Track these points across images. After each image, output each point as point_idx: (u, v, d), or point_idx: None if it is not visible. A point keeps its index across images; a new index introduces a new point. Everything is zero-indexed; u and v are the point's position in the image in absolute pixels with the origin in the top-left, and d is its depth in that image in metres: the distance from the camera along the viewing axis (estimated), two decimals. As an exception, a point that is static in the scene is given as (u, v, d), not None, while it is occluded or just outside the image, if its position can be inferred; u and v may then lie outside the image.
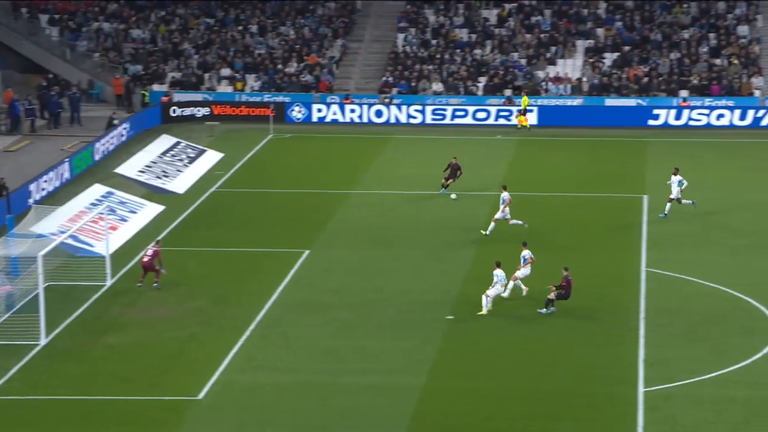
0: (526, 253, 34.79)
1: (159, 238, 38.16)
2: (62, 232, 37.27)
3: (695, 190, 44.61)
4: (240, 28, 64.65)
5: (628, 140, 55.05)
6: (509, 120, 57.77)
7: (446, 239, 40.01)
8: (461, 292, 35.10)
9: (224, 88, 61.29)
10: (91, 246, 38.95)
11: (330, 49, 63.44)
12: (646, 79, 60.12)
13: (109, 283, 36.11)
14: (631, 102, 58.98)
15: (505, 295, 34.19)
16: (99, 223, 38.94)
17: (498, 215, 39.78)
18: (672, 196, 42.04)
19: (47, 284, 33.00)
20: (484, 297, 33.52)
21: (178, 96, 60.10)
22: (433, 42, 63.52)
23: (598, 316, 33.63)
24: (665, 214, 42.00)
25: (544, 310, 33.46)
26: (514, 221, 39.91)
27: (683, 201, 41.98)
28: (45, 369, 30.25)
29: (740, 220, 42.65)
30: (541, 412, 27.70)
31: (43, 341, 31.68)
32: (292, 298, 35.10)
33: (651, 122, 57.14)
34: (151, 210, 44.11)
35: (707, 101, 58.37)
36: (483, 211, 43.19)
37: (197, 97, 60.06)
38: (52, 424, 27.24)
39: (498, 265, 33.80)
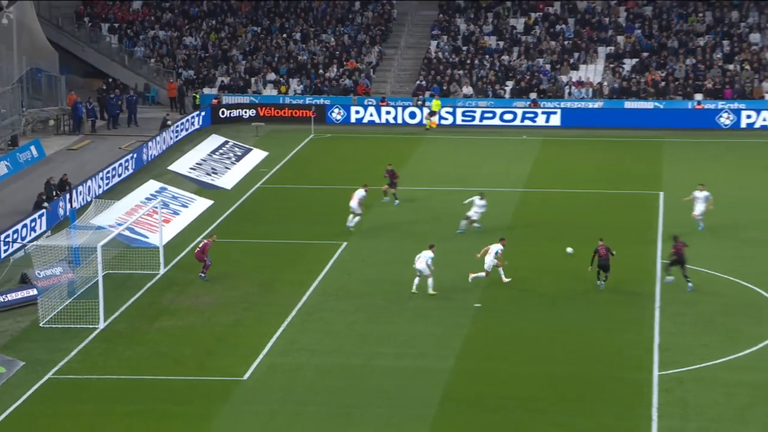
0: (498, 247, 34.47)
1: (209, 231, 38.25)
2: (119, 225, 37.46)
3: (709, 187, 44.13)
4: (284, 35, 64.74)
5: (645, 140, 54.67)
6: (535, 122, 57.53)
7: (474, 232, 39.89)
8: (488, 282, 34.98)
9: (269, 91, 61.40)
10: (146, 237, 39.11)
11: (367, 55, 63.38)
12: (663, 84, 59.65)
13: (162, 272, 36.26)
14: (648, 105, 58.56)
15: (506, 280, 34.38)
16: (153, 216, 39.09)
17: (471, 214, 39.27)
18: (696, 214, 39.24)
19: (106, 273, 33.19)
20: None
21: (227, 99, 60.29)
22: (464, 48, 63.32)
23: (617, 304, 33.43)
24: (702, 227, 39.56)
25: (602, 283, 33.99)
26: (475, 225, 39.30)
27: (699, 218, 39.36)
28: (102, 351, 30.40)
29: (750, 215, 42.24)
30: (561, 394, 27.57)
31: (102, 325, 31.86)
32: (330, 286, 35.11)
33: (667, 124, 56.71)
34: (201, 204, 44.25)
35: (720, 104, 57.88)
36: (509, 209, 43.05)
37: (244, 99, 60.22)
38: (108, 402, 27.37)
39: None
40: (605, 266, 34.04)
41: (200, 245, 35.50)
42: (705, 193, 39.40)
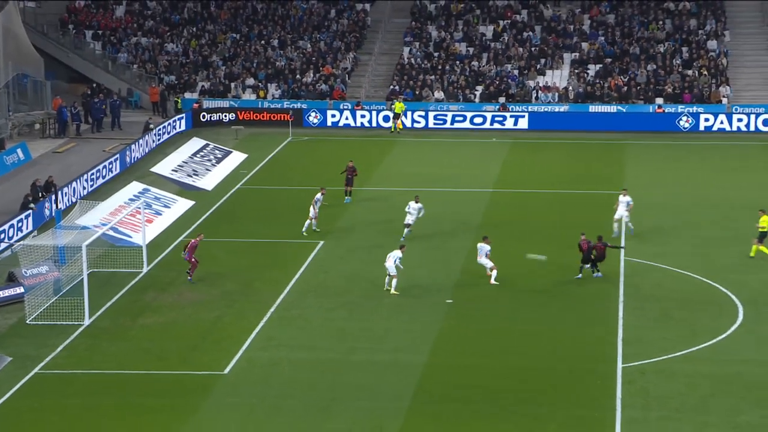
0: (485, 246, 34.56)
1: (192, 231, 38.03)
2: (104, 225, 37.20)
3: (670, 187, 44.44)
4: (262, 42, 64.54)
5: (609, 143, 54.88)
6: (503, 125, 57.62)
7: (446, 231, 39.91)
8: (459, 279, 35.02)
9: (248, 95, 61.19)
10: (130, 237, 38.91)
11: (343, 60, 63.29)
12: (625, 88, 59.89)
13: (145, 270, 36.07)
14: (612, 108, 58.78)
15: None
16: (136, 216, 38.89)
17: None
18: (616, 217, 38.34)
19: (90, 271, 33.00)
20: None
21: (207, 103, 60.04)
22: (435, 54, 63.34)
23: (583, 300, 33.54)
24: (617, 234, 38.40)
25: (583, 274, 34.14)
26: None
27: (629, 224, 38.33)
28: (88, 346, 30.23)
29: (709, 213, 42.47)
30: (530, 386, 27.63)
31: (87, 322, 31.68)
32: (308, 283, 35.03)
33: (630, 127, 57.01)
34: (182, 205, 44.05)
35: (680, 108, 58.21)
36: (479, 208, 43.10)
37: (224, 103, 59.99)
38: (93, 396, 27.21)
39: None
40: (586, 259, 34.29)
41: (187, 245, 35.12)
42: (627, 198, 38.88)
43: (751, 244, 36.81)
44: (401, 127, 56.92)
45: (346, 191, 43.56)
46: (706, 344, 30.06)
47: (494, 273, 34.37)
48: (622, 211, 38.74)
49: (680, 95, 59.31)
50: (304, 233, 39.05)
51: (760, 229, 36.71)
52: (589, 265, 34.70)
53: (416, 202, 38.55)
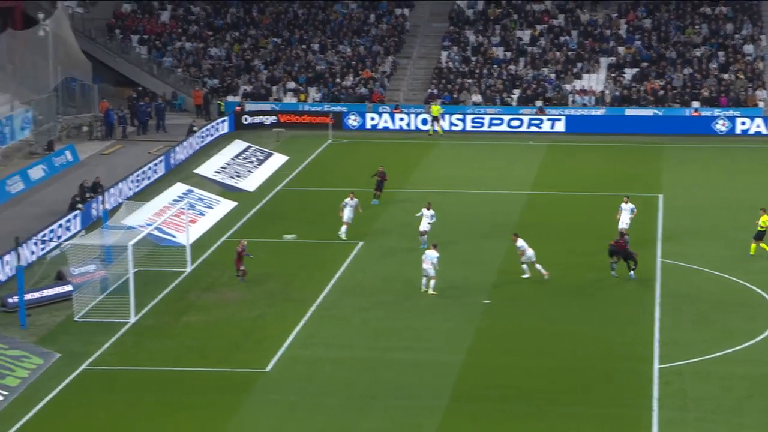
0: (520, 243, 34.49)
1: (233, 232, 38.12)
2: (149, 225, 37.47)
3: (706, 189, 44.05)
4: (303, 46, 64.72)
5: (645, 146, 54.48)
6: (540, 128, 57.38)
7: (483, 232, 39.79)
8: (496, 280, 34.90)
9: (289, 99, 61.38)
10: (174, 237, 39.12)
11: (382, 64, 63.32)
12: (662, 92, 59.42)
13: (189, 269, 36.25)
14: (648, 112, 58.33)
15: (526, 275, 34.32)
16: (180, 217, 39.10)
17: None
18: (621, 226, 37.24)
19: (136, 270, 33.19)
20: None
21: (250, 106, 60.30)
22: (473, 58, 63.19)
23: (619, 301, 33.30)
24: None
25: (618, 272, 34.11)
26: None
27: (625, 231, 36.75)
28: (133, 344, 30.42)
29: (744, 216, 42.00)
30: (566, 385, 27.46)
31: (133, 319, 31.89)
32: (347, 283, 35.05)
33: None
34: (225, 206, 44.25)
35: (716, 111, 57.66)
36: (515, 210, 42.96)
37: (266, 107, 60.21)
38: (138, 392, 27.38)
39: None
40: (616, 255, 34.20)
41: (237, 253, 34.50)
42: (630, 206, 38.11)
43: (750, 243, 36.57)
44: (441, 130, 56.82)
45: (375, 194, 43.33)
46: (742, 346, 29.74)
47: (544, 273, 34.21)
48: (625, 219, 37.85)
49: (716, 99, 58.75)
50: (343, 237, 38.77)
51: (760, 228, 36.44)
52: (615, 261, 34.22)
53: (428, 209, 37.63)
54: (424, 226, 37.50)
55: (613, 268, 34.48)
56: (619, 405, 26.44)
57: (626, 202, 38.39)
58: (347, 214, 38.73)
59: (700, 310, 32.53)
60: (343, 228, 38.85)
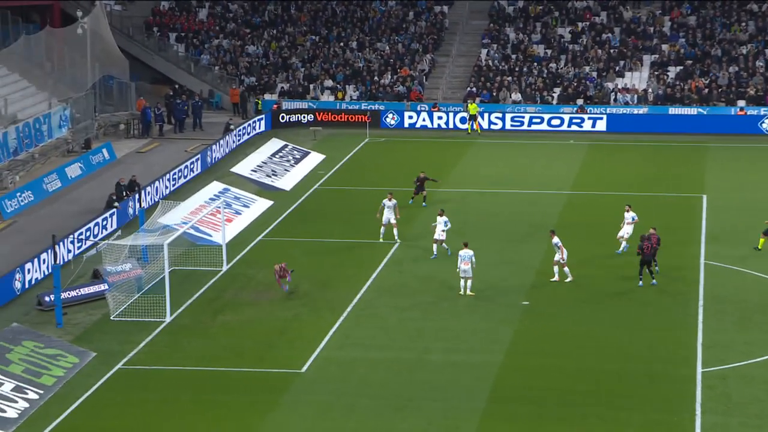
0: (555, 240, 34.21)
1: (271, 230, 38.07)
2: (185, 224, 37.63)
3: (751, 190, 43.49)
4: (341, 44, 64.80)
5: (689, 145, 53.97)
6: (581, 126, 57.01)
7: (522, 233, 39.62)
8: (535, 281, 34.72)
9: (326, 97, 61.49)
10: (210, 236, 39.29)
11: (420, 62, 63.23)
12: (706, 90, 58.83)
13: (224, 268, 36.38)
14: (692, 111, 57.78)
15: (555, 279, 34.06)
16: (216, 215, 39.27)
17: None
18: (622, 234, 36.51)
19: (172, 269, 33.40)
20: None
21: (287, 104, 60.47)
22: (513, 56, 62.94)
23: (660, 303, 33.00)
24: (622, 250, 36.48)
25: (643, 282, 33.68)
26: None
27: (623, 241, 36.43)
28: (168, 343, 30.57)
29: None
30: (607, 389, 27.26)
31: (168, 318, 32.05)
32: (384, 283, 35.02)
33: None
34: (261, 204, 44.38)
35: (762, 110, 56.98)
36: (555, 210, 42.71)
37: (303, 105, 60.35)
38: (174, 391, 27.53)
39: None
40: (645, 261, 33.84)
41: (278, 272, 33.56)
42: (632, 214, 37.02)
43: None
44: (480, 129, 56.67)
45: (414, 195, 42.97)
46: (788, 350, 29.38)
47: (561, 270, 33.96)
48: (628, 228, 36.69)
49: (763, 98, 58.05)
50: (381, 239, 38.45)
51: None
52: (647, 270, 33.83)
53: (441, 216, 36.86)
54: (438, 234, 36.52)
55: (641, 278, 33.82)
56: (661, 410, 26.18)
57: (628, 211, 37.12)
58: (386, 215, 38.62)
59: (744, 312, 32.16)
60: (382, 230, 38.68)
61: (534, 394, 27.02)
